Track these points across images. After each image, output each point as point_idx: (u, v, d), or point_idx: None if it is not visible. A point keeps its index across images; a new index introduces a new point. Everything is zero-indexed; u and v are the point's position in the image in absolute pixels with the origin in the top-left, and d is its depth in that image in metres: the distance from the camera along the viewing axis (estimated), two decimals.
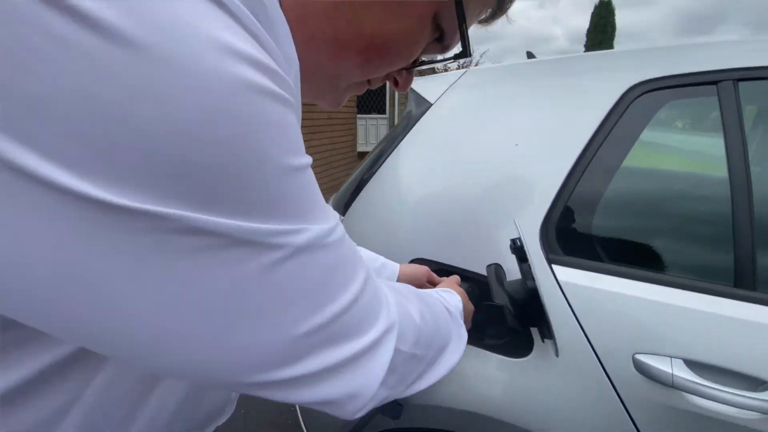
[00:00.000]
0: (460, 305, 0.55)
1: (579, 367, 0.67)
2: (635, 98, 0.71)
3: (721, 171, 0.64)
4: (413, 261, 0.82)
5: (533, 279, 0.60)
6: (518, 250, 0.62)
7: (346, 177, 4.74)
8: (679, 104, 0.71)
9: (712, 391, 0.57)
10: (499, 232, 0.74)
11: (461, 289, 0.63)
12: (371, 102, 9.67)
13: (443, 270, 0.78)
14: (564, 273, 0.69)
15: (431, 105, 0.91)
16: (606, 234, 0.72)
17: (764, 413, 0.55)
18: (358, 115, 5.63)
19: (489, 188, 0.77)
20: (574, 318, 0.67)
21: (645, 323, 0.64)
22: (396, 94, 9.52)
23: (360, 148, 6.76)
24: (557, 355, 0.63)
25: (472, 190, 0.78)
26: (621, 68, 0.75)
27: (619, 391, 0.64)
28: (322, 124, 4.66)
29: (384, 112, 9.81)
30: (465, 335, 0.48)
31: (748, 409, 0.55)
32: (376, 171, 0.92)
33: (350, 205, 0.94)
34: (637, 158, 0.71)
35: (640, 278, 0.66)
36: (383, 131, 9.98)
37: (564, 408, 0.68)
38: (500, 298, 0.62)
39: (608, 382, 0.65)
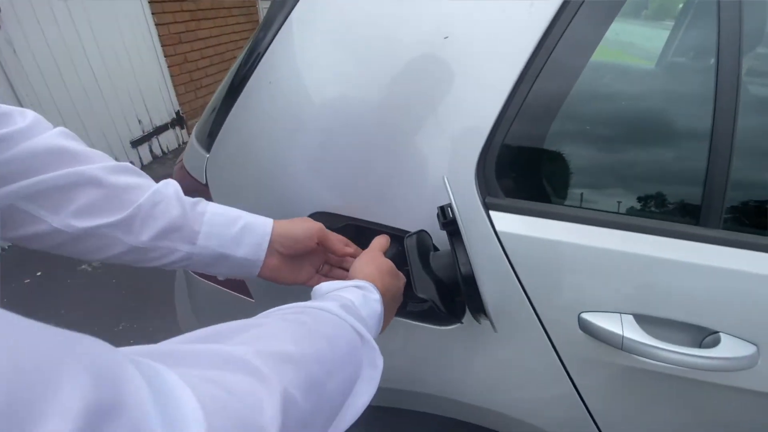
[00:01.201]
0: (379, 308, 0.42)
1: (518, 331, 0.56)
2: None
3: (703, 105, 0.48)
4: (312, 216, 0.60)
5: (469, 263, 0.42)
6: (448, 224, 0.43)
7: None
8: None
9: (662, 352, 0.49)
10: (427, 169, 0.54)
11: (387, 266, 0.47)
12: None
13: (357, 228, 0.58)
14: (503, 221, 0.53)
15: None
16: (557, 168, 0.55)
17: (710, 370, 0.49)
18: None
19: (408, 103, 0.53)
20: (513, 272, 0.53)
21: (593, 276, 0.52)
22: None
23: None
24: (495, 330, 0.50)
25: (385, 105, 0.54)
26: None
27: (561, 355, 0.55)
28: (208, 8, 3.70)
29: None
30: (379, 369, 0.37)
31: (695, 368, 0.49)
32: (248, 80, 0.62)
33: (215, 136, 0.65)
34: (602, 60, 0.51)
35: (590, 222, 0.52)
36: None
37: (502, 378, 0.59)
38: (424, 290, 0.45)
39: (550, 345, 0.55)
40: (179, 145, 3.55)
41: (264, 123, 0.61)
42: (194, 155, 0.71)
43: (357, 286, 0.42)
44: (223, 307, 0.75)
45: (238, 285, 0.69)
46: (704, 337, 0.51)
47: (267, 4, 6.53)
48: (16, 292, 1.89)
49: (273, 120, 0.60)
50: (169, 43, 3.24)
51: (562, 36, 0.50)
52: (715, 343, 0.49)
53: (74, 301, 1.84)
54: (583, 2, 0.49)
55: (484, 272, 0.52)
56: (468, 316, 0.56)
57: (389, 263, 0.49)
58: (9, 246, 2.18)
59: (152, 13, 3.04)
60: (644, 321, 0.51)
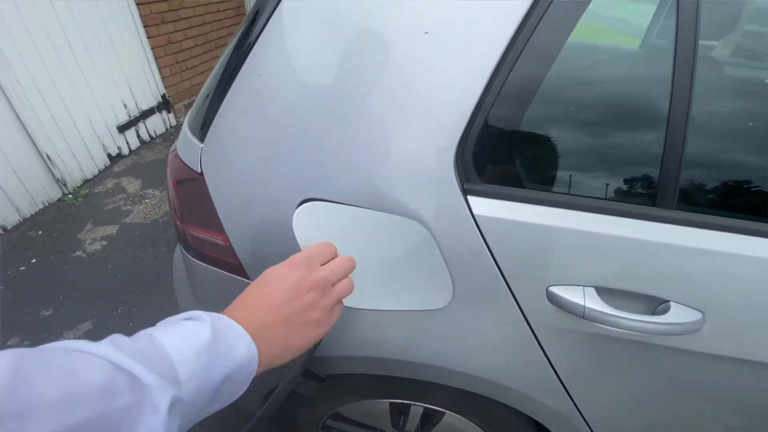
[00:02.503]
0: (204, 339, 0.37)
1: (493, 305, 0.62)
2: None
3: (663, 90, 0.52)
4: (303, 202, 0.63)
5: None
6: None
7: None
8: None
9: (618, 319, 0.55)
10: (409, 156, 0.58)
11: (286, 289, 0.45)
12: None
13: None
14: (479, 205, 0.58)
15: None
16: (526, 155, 0.60)
17: (660, 334, 0.55)
18: None
19: (390, 92, 0.57)
20: (489, 253, 0.59)
21: (560, 253, 0.58)
22: None
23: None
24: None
25: (369, 95, 0.58)
26: None
27: (532, 324, 0.61)
28: None
29: None
30: (161, 413, 0.31)
31: (648, 333, 0.55)
32: (238, 72, 0.65)
33: (208, 127, 0.68)
34: (571, 57, 0.55)
35: (558, 204, 0.57)
36: None
37: (481, 347, 0.65)
38: None
39: (522, 316, 0.61)
40: (167, 129, 3.51)
41: (254, 114, 0.64)
42: (188, 145, 0.74)
43: (187, 318, 0.40)
44: (222, 289, 0.79)
45: (235, 267, 0.73)
46: (656, 306, 0.57)
47: None
48: (12, 279, 1.91)
49: (263, 110, 0.63)
50: (151, 23, 3.15)
51: (537, 25, 0.53)
52: (666, 310, 0.56)
53: (72, 287, 1.87)
54: None
55: (463, 256, 0.58)
56: (455, 297, 0.61)
57: (290, 285, 0.45)
58: (3, 232, 2.18)
59: None
60: (604, 293, 0.57)
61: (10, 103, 2.19)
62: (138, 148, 3.17)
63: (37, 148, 2.36)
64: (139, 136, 3.19)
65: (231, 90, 0.65)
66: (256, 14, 0.64)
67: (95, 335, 1.63)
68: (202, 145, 0.70)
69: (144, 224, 2.31)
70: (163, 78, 3.37)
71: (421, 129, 0.57)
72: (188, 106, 3.75)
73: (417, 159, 0.57)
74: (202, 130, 0.70)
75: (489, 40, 0.53)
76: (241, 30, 0.68)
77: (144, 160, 3.02)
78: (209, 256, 0.76)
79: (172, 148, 0.85)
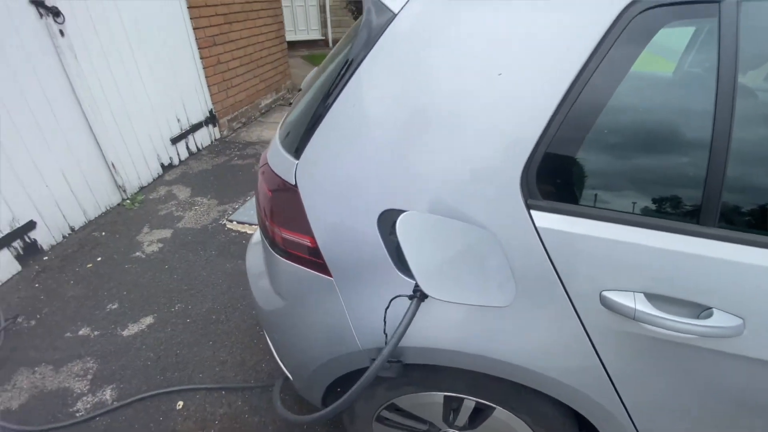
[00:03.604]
0: None
1: (551, 307, 0.71)
2: (632, 19, 0.61)
3: (706, 118, 0.61)
4: (384, 213, 0.75)
5: None
6: None
7: (279, 75, 4.29)
8: (678, 27, 0.64)
9: (666, 321, 0.63)
10: (489, 178, 0.68)
11: None
12: None
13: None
14: (541, 218, 0.68)
15: (394, 15, 0.73)
16: (585, 176, 0.69)
17: (703, 336, 0.63)
18: None
19: (467, 127, 0.68)
20: (549, 261, 0.68)
21: (613, 262, 0.66)
22: None
23: (289, 37, 5.91)
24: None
25: (449, 129, 0.69)
26: None
27: (585, 325, 0.70)
28: (239, 11, 3.88)
29: None
30: None
31: (692, 335, 0.63)
32: (332, 103, 0.78)
33: (303, 148, 0.81)
34: (626, 90, 0.65)
35: (612, 220, 0.66)
36: (314, 13, 8.72)
37: (537, 343, 0.73)
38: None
39: (577, 317, 0.69)
40: (212, 141, 3.75)
41: (346, 137, 0.77)
42: (282, 160, 0.87)
43: None
44: (303, 283, 0.91)
45: (319, 266, 0.85)
46: (700, 312, 0.65)
47: (289, 2, 6.61)
48: (81, 275, 2.10)
49: (353, 134, 0.76)
50: (204, 45, 3.43)
51: (599, 64, 0.63)
52: (709, 316, 0.63)
53: (134, 284, 2.04)
54: (620, 35, 0.61)
55: (526, 263, 0.67)
56: (517, 298, 0.71)
57: None
58: (67, 235, 2.40)
59: (191, 18, 3.23)
60: (652, 298, 0.65)
61: (87, 120, 2.44)
62: (186, 159, 3.41)
63: (105, 158, 2.60)
64: (188, 147, 3.43)
65: (326, 117, 0.79)
66: (350, 61, 0.77)
67: (157, 328, 1.79)
68: (297, 162, 0.83)
69: (195, 229, 2.49)
70: (211, 95, 3.64)
71: (491, 154, 0.68)
72: (231, 120, 4.00)
73: (487, 178, 0.68)
74: (297, 149, 0.83)
75: (554, 79, 0.64)
76: (336, 70, 0.82)
77: (192, 170, 3.24)
78: (296, 255, 0.88)
79: (262, 161, 0.99)
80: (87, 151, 2.48)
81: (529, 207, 0.68)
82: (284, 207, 0.87)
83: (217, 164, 3.35)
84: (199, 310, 1.88)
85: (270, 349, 1.50)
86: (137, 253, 2.27)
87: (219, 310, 1.88)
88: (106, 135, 2.58)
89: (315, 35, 8.93)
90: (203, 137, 3.63)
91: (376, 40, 0.74)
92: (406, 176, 0.73)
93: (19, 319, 1.84)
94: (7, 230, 2.07)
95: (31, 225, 2.18)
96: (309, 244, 0.84)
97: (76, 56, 2.33)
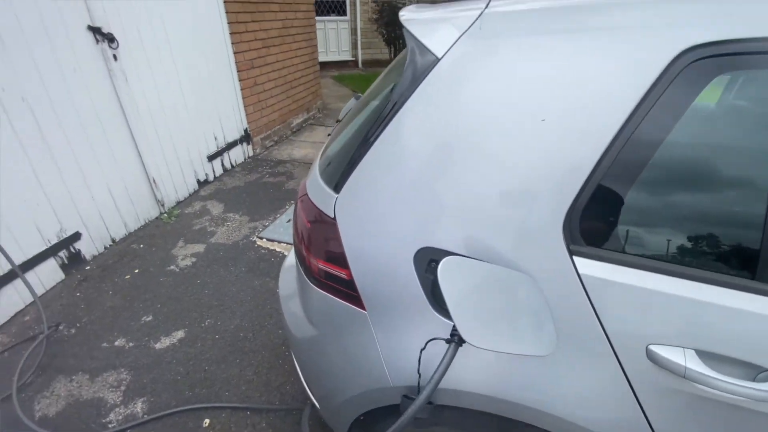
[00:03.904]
0: None
1: (594, 359, 0.68)
2: (684, 68, 0.61)
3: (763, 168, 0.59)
4: (420, 251, 0.75)
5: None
6: None
7: (310, 95, 4.46)
8: (733, 77, 0.62)
9: (720, 382, 0.59)
10: (529, 221, 0.68)
11: None
12: (329, 0, 8.50)
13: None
14: (584, 265, 0.66)
15: (437, 60, 0.75)
16: (631, 224, 0.68)
17: (760, 401, 0.59)
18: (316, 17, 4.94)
19: (511, 171, 0.68)
20: (592, 310, 0.66)
21: (662, 316, 0.64)
22: None
23: (320, 58, 6.11)
24: None
25: (491, 171, 0.69)
26: (674, 24, 0.62)
27: (631, 380, 0.67)
28: (276, 36, 4.07)
29: (344, 14, 8.74)
30: None
31: (748, 398, 0.59)
32: (374, 141, 0.80)
33: (343, 183, 0.83)
34: (675, 141, 0.64)
35: (660, 271, 0.64)
36: (345, 35, 9.02)
37: (581, 396, 0.71)
38: None
39: (621, 371, 0.67)
40: (245, 159, 3.89)
41: (385, 174, 0.78)
42: (321, 192, 0.90)
43: None
44: (336, 314, 0.92)
45: (353, 298, 0.86)
46: (758, 373, 0.61)
47: (322, 25, 6.86)
48: (119, 285, 2.20)
49: (393, 172, 0.77)
50: (243, 68, 3.60)
51: (650, 110, 0.62)
52: (767, 379, 0.60)
53: (167, 297, 2.11)
54: (672, 82, 0.60)
55: (568, 311, 0.66)
56: (558, 347, 0.69)
57: None
58: (108, 246, 2.53)
59: (232, 43, 3.41)
60: (705, 356, 0.62)
61: (133, 138, 2.59)
62: (221, 175, 3.54)
63: (147, 174, 2.74)
64: (223, 164, 3.57)
65: (368, 154, 0.81)
66: (394, 100, 0.79)
67: (187, 343, 1.83)
68: (336, 196, 0.85)
69: (227, 245, 2.57)
70: (247, 114, 3.79)
71: (532, 196, 0.67)
72: (264, 138, 4.14)
73: (528, 221, 0.68)
74: (337, 184, 0.86)
75: (601, 124, 0.63)
76: (379, 108, 0.84)
77: (226, 186, 3.36)
78: (331, 286, 0.90)
79: (301, 191, 1.02)
80: (131, 166, 2.63)
81: (571, 253, 0.67)
82: (322, 238, 0.89)
83: (250, 181, 3.46)
84: (228, 327, 1.92)
85: (295, 372, 1.51)
86: (172, 267, 2.36)
87: (246, 328, 1.91)
88: (150, 152, 2.73)
89: (345, 56, 9.20)
90: (237, 155, 3.77)
91: (420, 81, 0.76)
92: (444, 215, 0.74)
93: (61, 327, 1.93)
94: (54, 240, 2.19)
95: (76, 236, 2.31)
96: (345, 276, 0.85)
97: (127, 78, 2.50)
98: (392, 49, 7.11)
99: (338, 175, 0.86)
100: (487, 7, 0.78)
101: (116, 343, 1.84)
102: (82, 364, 1.74)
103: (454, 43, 0.74)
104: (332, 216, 0.85)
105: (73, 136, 2.22)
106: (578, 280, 0.66)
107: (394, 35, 6.69)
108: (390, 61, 7.65)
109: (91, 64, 2.28)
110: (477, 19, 0.75)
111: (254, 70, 3.80)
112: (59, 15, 2.06)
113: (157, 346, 1.83)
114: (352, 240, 0.83)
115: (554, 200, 0.66)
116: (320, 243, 0.90)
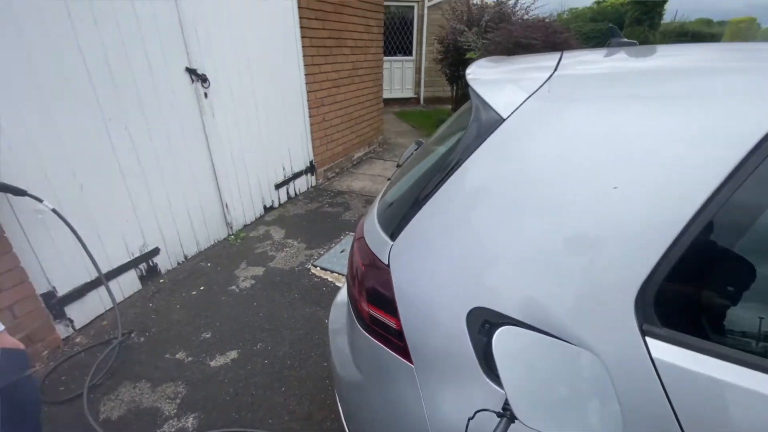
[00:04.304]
0: None
1: None
2: None
3: None
4: (474, 310, 0.73)
5: None
6: None
7: (372, 131, 4.68)
8: None
9: None
10: (597, 291, 0.64)
11: None
12: (397, 42, 8.98)
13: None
14: (660, 349, 0.60)
15: (502, 120, 0.76)
16: (720, 306, 0.61)
17: None
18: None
19: (577, 233, 0.65)
20: (668, 402, 0.59)
21: (745, 413, 0.55)
22: (424, 32, 8.78)
23: (384, 95, 6.38)
24: None
25: (557, 231, 0.67)
26: None
27: None
28: (346, 77, 4.36)
29: (410, 54, 9.15)
30: None
31: None
32: (433, 193, 0.81)
33: (400, 232, 0.84)
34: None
35: (755, 367, 0.55)
36: (409, 74, 9.39)
37: None
38: None
39: None
40: (308, 188, 4.11)
41: (443, 228, 0.78)
42: (377, 237, 0.92)
43: None
44: (382, 363, 0.91)
45: (401, 349, 0.85)
46: None
47: (388, 64, 7.19)
48: (186, 300, 2.38)
49: (451, 227, 0.77)
50: (314, 106, 3.88)
51: (744, 181, 0.55)
52: None
53: (225, 317, 2.24)
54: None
55: (637, 398, 0.59)
56: None
57: None
58: (180, 262, 2.76)
59: (306, 83, 3.70)
60: None
61: (213, 166, 2.87)
62: (285, 203, 3.76)
63: (221, 198, 3.00)
64: (287, 192, 3.80)
65: (426, 205, 0.82)
66: (456, 156, 0.80)
67: (239, 364, 1.91)
68: (392, 243, 0.86)
69: (284, 270, 2.69)
70: (313, 147, 4.04)
71: (603, 266, 0.63)
72: (327, 170, 4.36)
73: (596, 293, 0.63)
74: (393, 232, 0.87)
75: (685, 194, 0.58)
76: (441, 161, 0.86)
77: (288, 213, 3.56)
78: (379, 333, 0.90)
79: (359, 232, 1.05)
80: (209, 191, 2.90)
81: (644, 333, 0.61)
82: (375, 284, 0.90)
83: (310, 210, 3.63)
84: (277, 353, 1.98)
85: (337, 408, 1.50)
86: (233, 287, 2.51)
87: (294, 356, 1.95)
88: (226, 179, 2.99)
89: (408, 94, 9.54)
90: (301, 184, 4.00)
91: (485, 139, 0.76)
92: (502, 274, 0.72)
93: (133, 335, 2.12)
94: (137, 254, 2.45)
95: (155, 251, 2.56)
96: (394, 326, 0.85)
97: (213, 114, 2.80)
98: (454, 88, 7.25)
99: (395, 223, 0.88)
100: (556, 69, 0.78)
101: (177, 356, 1.97)
102: (146, 372, 1.88)
103: (521, 104, 0.75)
104: (386, 263, 0.87)
105: (163, 162, 2.51)
106: (651, 365, 0.60)
107: (457, 74, 6.83)
108: (451, 99, 7.71)
109: (185, 100, 2.60)
110: (546, 81, 0.75)
111: (324, 107, 4.07)
112: (163, 57, 2.40)
113: (212, 363, 1.92)
114: (404, 290, 0.83)
115: (626, 271, 0.62)
116: (373, 288, 0.91)
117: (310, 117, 3.86)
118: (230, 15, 2.81)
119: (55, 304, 2.03)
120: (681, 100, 0.63)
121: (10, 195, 1.75)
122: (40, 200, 1.83)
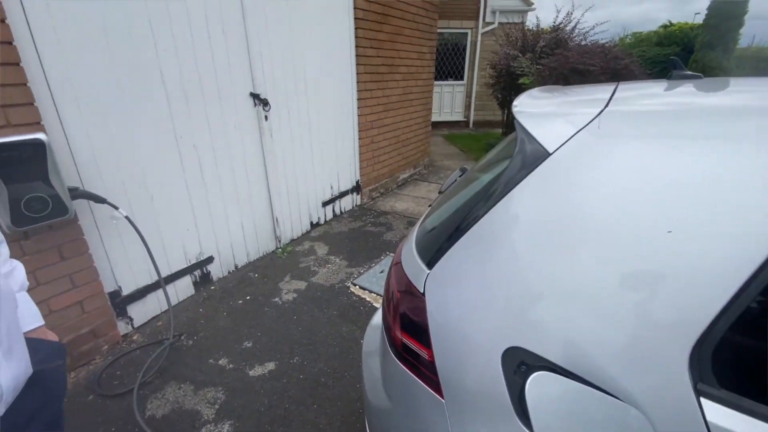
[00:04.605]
0: None
1: None
2: None
3: None
4: (510, 350, 0.70)
5: None
6: None
7: (419, 153, 4.74)
8: None
9: None
10: (645, 341, 0.60)
11: None
12: (448, 67, 9.09)
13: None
14: (715, 412, 0.54)
15: (548, 154, 0.75)
16: None
17: None
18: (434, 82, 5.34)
19: (632, 275, 0.62)
20: None
21: None
22: (477, 57, 8.84)
23: (433, 118, 6.45)
24: None
25: (603, 267, 0.64)
26: None
27: None
28: (396, 101, 4.48)
29: (461, 78, 9.22)
30: None
31: None
32: (473, 224, 0.80)
33: (437, 261, 0.85)
34: None
35: None
36: (459, 98, 9.43)
37: None
38: None
39: None
40: (353, 207, 4.21)
41: (480, 261, 0.77)
42: (414, 264, 0.92)
43: None
44: (413, 394, 0.90)
45: (432, 382, 0.84)
46: None
47: (438, 88, 7.30)
48: (233, 308, 2.51)
49: (489, 260, 0.76)
50: (363, 129, 4.01)
51: None
52: None
53: (267, 328, 2.33)
54: None
55: None
56: None
57: None
58: (231, 271, 2.92)
59: (357, 107, 3.85)
60: None
61: (267, 183, 3.05)
62: (330, 220, 3.88)
63: (272, 213, 3.16)
64: (333, 210, 3.92)
65: (465, 236, 0.81)
66: (498, 188, 0.80)
67: (275, 376, 1.96)
68: (429, 272, 0.87)
69: (324, 286, 2.75)
70: (360, 168, 4.16)
71: (656, 313, 0.59)
72: (372, 190, 4.45)
73: (646, 342, 0.59)
74: (431, 260, 0.87)
75: (753, 237, 0.53)
76: (482, 192, 0.86)
77: (332, 230, 3.66)
78: (411, 362, 0.89)
79: (397, 257, 1.06)
80: (262, 206, 3.07)
81: (699, 393, 0.55)
82: (409, 311, 0.90)
83: (353, 228, 3.71)
84: (312, 369, 2.01)
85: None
86: (276, 299, 2.61)
87: (328, 374, 1.97)
88: (278, 195, 3.16)
89: (457, 117, 9.56)
90: (347, 203, 4.11)
91: (529, 173, 0.75)
92: (539, 315, 0.69)
93: (183, 337, 2.26)
94: (193, 261, 2.63)
95: (210, 259, 2.74)
96: (427, 357, 0.84)
97: (272, 135, 2.99)
98: (505, 112, 7.17)
99: (433, 251, 0.88)
100: (607, 105, 0.76)
101: (220, 362, 2.07)
102: (191, 374, 1.99)
103: (568, 139, 0.73)
104: (422, 291, 0.87)
105: (224, 178, 2.71)
106: (705, 428, 0.54)
107: (509, 99, 6.76)
108: (502, 123, 7.61)
109: (248, 122, 2.81)
110: (596, 117, 0.73)
111: (373, 130, 4.20)
112: (230, 82, 2.62)
113: (251, 373, 1.99)
114: (438, 321, 0.82)
115: (684, 314, 0.57)
116: (406, 315, 0.91)
117: (359, 139, 3.99)
118: (292, 44, 3.03)
119: (119, 303, 2.23)
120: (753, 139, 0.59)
121: (92, 202, 1.98)
122: (116, 207, 2.04)
